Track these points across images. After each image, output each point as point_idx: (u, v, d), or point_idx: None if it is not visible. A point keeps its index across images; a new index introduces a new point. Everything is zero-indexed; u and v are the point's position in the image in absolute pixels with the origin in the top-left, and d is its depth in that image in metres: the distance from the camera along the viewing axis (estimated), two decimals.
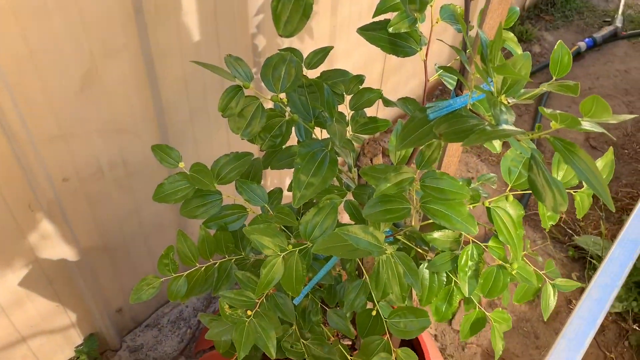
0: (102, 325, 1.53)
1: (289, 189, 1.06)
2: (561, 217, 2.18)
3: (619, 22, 3.23)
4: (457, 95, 0.79)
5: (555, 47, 0.60)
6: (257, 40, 1.43)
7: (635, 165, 2.45)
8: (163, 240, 1.54)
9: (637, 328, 1.84)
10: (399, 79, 2.24)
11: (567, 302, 1.93)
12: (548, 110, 0.50)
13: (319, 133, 0.99)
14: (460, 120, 0.60)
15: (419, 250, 0.94)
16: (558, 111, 0.50)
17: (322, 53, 1.00)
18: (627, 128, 2.63)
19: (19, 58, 0.98)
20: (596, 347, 1.81)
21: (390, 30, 0.82)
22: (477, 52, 0.60)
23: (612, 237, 2.12)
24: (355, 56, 1.87)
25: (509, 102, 0.59)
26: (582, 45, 3.06)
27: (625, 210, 2.22)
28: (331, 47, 1.01)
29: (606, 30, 3.18)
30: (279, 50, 0.85)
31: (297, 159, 0.81)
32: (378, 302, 0.85)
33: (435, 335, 1.80)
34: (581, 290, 1.94)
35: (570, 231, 2.14)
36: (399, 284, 0.76)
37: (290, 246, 0.82)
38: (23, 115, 1.04)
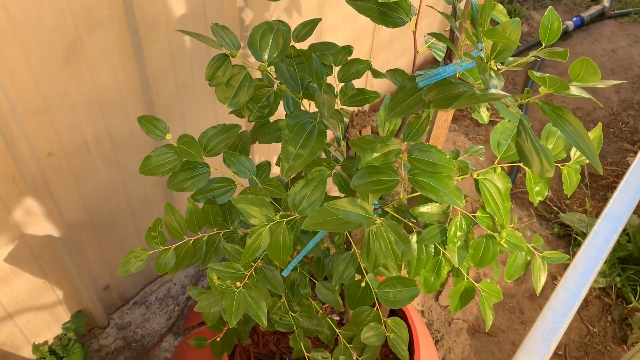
0: (89, 302, 1.52)
1: (277, 164, 1.06)
2: (547, 195, 2.20)
3: (606, 2, 3.23)
4: (446, 64, 0.79)
5: (546, 13, 0.60)
6: (245, 14, 1.41)
7: (621, 144, 2.47)
8: (150, 217, 1.53)
9: (620, 303, 1.88)
10: (387, 55, 2.23)
11: (552, 279, 1.96)
12: (537, 74, 0.50)
13: (307, 107, 0.98)
14: (450, 87, 0.60)
15: (408, 223, 0.94)
16: (547, 74, 0.50)
17: (311, 25, 0.98)
18: (613, 107, 2.65)
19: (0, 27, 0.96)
20: (580, 322, 1.84)
21: (380, 0, 0.81)
22: (468, 17, 0.60)
23: (597, 214, 2.14)
24: (344, 32, 1.85)
25: (498, 69, 0.59)
26: (570, 24, 3.06)
27: (610, 188, 2.25)
28: (319, 19, 1.00)
29: (594, 9, 3.18)
30: None
31: (285, 130, 0.80)
32: (369, 273, 0.86)
33: (422, 312, 1.82)
34: (566, 267, 1.97)
35: (555, 208, 2.16)
36: (393, 253, 0.77)
37: (278, 216, 0.81)
38: (5, 86, 1.02)
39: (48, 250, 1.31)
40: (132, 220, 1.49)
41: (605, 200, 2.20)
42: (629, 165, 2.32)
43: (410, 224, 0.91)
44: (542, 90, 0.53)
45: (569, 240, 2.06)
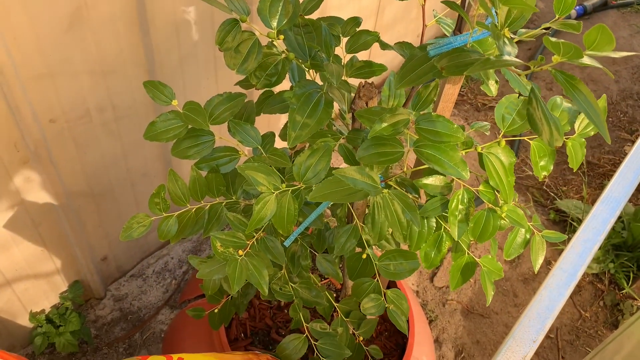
0: (87, 272, 1.53)
1: (281, 137, 1.06)
2: (544, 181, 2.21)
3: None
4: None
5: None
6: None
7: (619, 133, 2.49)
8: (150, 189, 1.53)
9: (613, 289, 1.90)
10: (390, 37, 2.22)
11: (547, 263, 1.98)
12: (552, 39, 0.50)
13: (312, 78, 0.98)
14: (462, 54, 0.60)
15: (410, 196, 0.95)
16: (561, 40, 0.50)
17: None
18: (612, 97, 2.66)
19: None
20: (572, 306, 1.86)
21: None
22: None
23: (593, 201, 2.16)
24: (347, 11, 1.84)
25: (512, 38, 0.59)
26: (573, 13, 3.05)
27: (606, 176, 2.26)
28: None
29: None
30: None
31: (293, 99, 0.80)
32: (373, 244, 0.86)
33: (417, 292, 1.84)
34: (560, 252, 1.99)
35: (552, 194, 2.18)
36: (398, 222, 0.77)
37: (284, 185, 0.82)
38: (10, 50, 1.01)
39: (48, 218, 1.31)
40: (131, 191, 1.49)
41: (601, 188, 2.22)
42: (626, 154, 2.34)
43: (412, 197, 0.91)
44: (555, 58, 0.53)
45: (565, 226, 2.08)
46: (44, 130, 1.16)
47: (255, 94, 1.57)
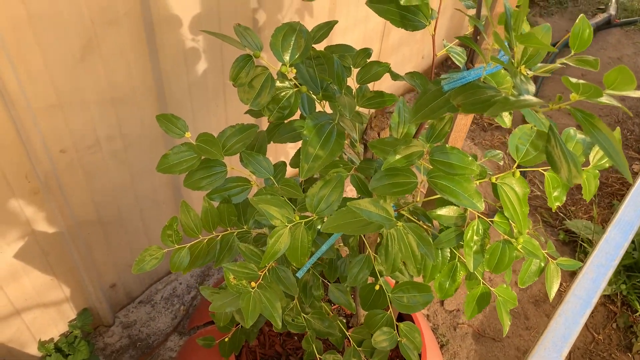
0: (95, 300, 1.52)
1: (292, 165, 1.06)
2: None
3: (612, 10, 3.24)
4: (468, 69, 0.79)
5: (577, 21, 0.60)
6: (258, 15, 1.41)
7: (626, 151, 2.48)
8: (159, 216, 1.53)
9: (625, 311, 1.88)
10: (395, 60, 2.23)
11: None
12: (573, 80, 0.50)
13: (321, 108, 0.98)
14: (477, 91, 0.60)
15: (422, 225, 0.94)
16: (581, 80, 0.50)
17: (327, 27, 0.98)
18: (618, 115, 2.66)
19: (17, 22, 0.96)
20: (585, 329, 1.84)
21: (402, 2, 0.81)
22: (499, 22, 0.60)
23: (603, 221, 2.15)
24: (354, 34, 1.85)
25: (527, 74, 0.59)
26: None
27: (615, 196, 2.25)
28: (335, 22, 1.00)
29: (600, 17, 3.19)
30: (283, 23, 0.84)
31: (305, 131, 0.80)
32: (386, 275, 0.86)
33: (428, 316, 1.82)
34: (572, 274, 1.97)
35: (561, 215, 2.16)
36: (412, 255, 0.77)
37: (297, 217, 0.81)
38: (22, 82, 1.01)
39: (57, 247, 1.31)
40: (140, 218, 1.49)
41: (610, 207, 2.21)
42: (635, 173, 2.33)
43: (425, 226, 0.91)
44: (574, 97, 0.53)
45: (575, 247, 2.06)
46: (54, 160, 1.17)
47: (264, 121, 1.57)
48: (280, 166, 0.98)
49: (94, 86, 1.14)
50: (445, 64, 2.77)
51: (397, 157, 0.75)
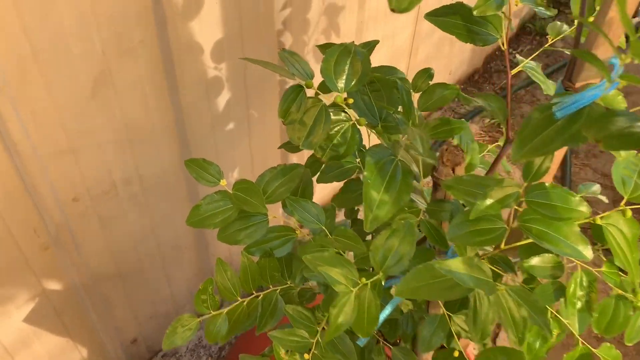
0: (115, 358, 1.37)
1: (337, 204, 0.92)
2: None
3: None
4: (566, 88, 0.65)
5: None
6: (284, 38, 1.28)
7: None
8: (181, 263, 1.39)
9: None
10: None
11: None
12: None
13: (367, 140, 0.84)
14: (616, 119, 0.46)
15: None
16: None
17: (367, 48, 0.85)
18: None
19: (21, 59, 0.83)
20: None
21: (475, 13, 0.67)
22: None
23: None
24: (382, 52, 1.72)
25: None
26: None
27: None
28: (377, 41, 0.86)
29: None
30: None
31: (366, 171, 0.66)
32: (478, 343, 0.71)
33: None
34: None
35: None
36: (513, 322, 0.62)
37: (364, 279, 0.67)
38: (27, 126, 0.88)
39: (71, 305, 1.17)
40: (161, 267, 1.34)
41: None
42: None
43: (521, 285, 0.76)
44: None
45: None
46: (66, 211, 1.03)
47: (302, 155, 1.41)
48: (329, 210, 0.83)
49: (108, 125, 1.01)
50: (472, 79, 2.63)
51: (489, 201, 0.60)
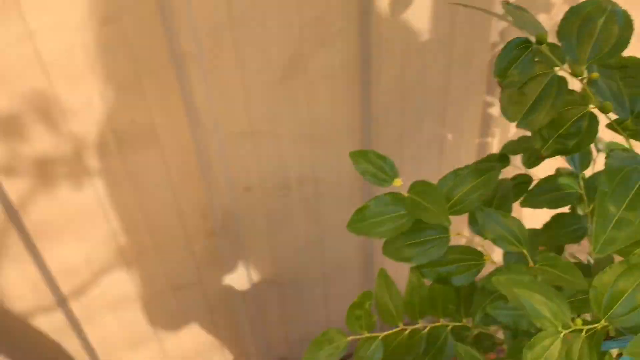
0: None
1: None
2: None
3: None
4: None
5: None
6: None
7: None
8: (342, 285, 1.27)
9: None
10: None
11: None
12: None
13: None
14: None
15: None
16: None
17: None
18: None
19: (217, 25, 0.80)
20: None
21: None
22: None
23: None
24: None
25: None
26: None
27: None
28: None
29: None
30: None
31: (603, 177, 0.47)
32: None
33: None
34: None
35: None
36: None
37: (580, 321, 0.47)
38: (212, 100, 0.85)
39: (225, 304, 1.12)
40: (321, 285, 1.24)
41: None
42: None
43: None
44: None
45: None
46: (236, 199, 0.98)
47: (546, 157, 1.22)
48: (534, 233, 0.64)
49: (292, 116, 0.95)
50: None
51: None
